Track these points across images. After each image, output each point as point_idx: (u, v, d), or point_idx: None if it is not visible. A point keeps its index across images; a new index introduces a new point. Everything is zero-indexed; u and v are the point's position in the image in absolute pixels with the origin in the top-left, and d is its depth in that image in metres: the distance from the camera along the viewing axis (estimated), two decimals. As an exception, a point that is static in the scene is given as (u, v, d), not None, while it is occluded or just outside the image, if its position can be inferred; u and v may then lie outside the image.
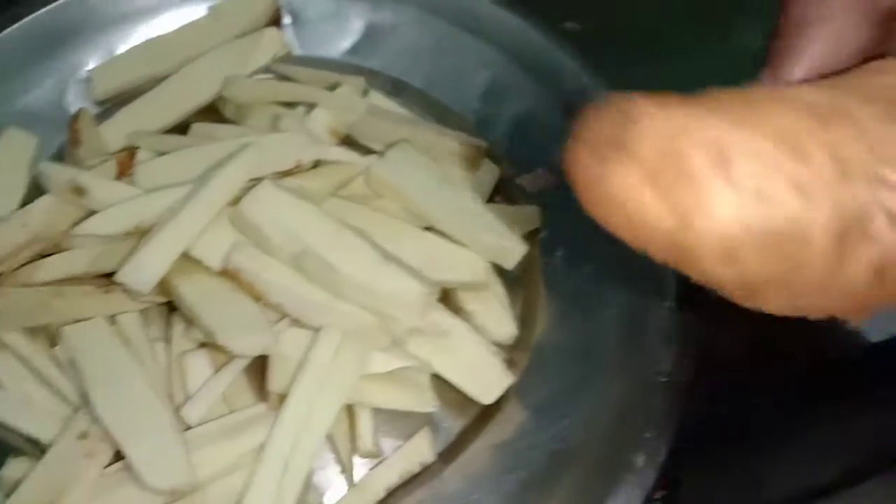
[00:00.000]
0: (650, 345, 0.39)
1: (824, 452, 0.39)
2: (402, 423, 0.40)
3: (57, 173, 0.37)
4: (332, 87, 0.45)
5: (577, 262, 0.43)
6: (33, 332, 0.39)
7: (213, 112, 0.47)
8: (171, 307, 0.41)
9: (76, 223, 0.39)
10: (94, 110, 0.46)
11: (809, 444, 0.40)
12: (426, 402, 0.38)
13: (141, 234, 0.38)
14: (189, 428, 0.36)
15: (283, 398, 0.37)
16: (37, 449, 0.38)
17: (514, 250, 0.40)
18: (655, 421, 0.37)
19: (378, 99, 0.46)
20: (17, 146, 0.42)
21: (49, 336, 0.39)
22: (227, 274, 0.37)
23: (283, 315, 0.37)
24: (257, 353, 0.36)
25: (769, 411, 0.41)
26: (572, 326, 0.42)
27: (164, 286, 0.37)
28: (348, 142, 0.44)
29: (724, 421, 0.42)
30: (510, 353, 0.41)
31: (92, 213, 0.39)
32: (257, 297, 0.37)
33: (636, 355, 0.39)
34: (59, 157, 0.44)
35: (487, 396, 0.39)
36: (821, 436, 0.40)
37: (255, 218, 0.36)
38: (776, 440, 0.41)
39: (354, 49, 0.50)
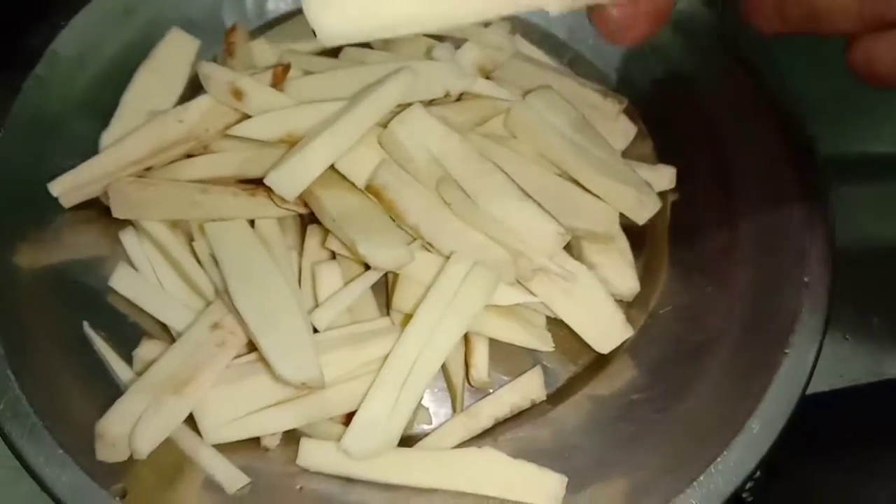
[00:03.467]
0: (777, 320, 0.38)
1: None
2: (511, 361, 0.40)
3: (218, 74, 0.39)
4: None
5: (708, 229, 0.42)
6: (174, 226, 0.41)
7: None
8: (304, 220, 0.42)
9: (229, 126, 0.40)
10: (247, 26, 0.48)
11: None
12: (545, 341, 0.39)
13: (290, 144, 0.39)
14: (316, 332, 0.37)
15: (405, 317, 0.38)
16: (168, 335, 0.40)
17: (648, 205, 0.40)
18: (776, 393, 0.36)
19: (522, 44, 0.47)
20: (179, 46, 0.44)
21: (187, 233, 0.41)
22: (370, 190, 0.37)
23: (416, 237, 0.38)
24: (392, 268, 0.36)
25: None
26: (694, 293, 0.41)
27: (307, 195, 0.38)
28: (489, 82, 0.44)
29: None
30: (627, 310, 0.41)
31: (244, 118, 0.40)
32: (395, 217, 0.38)
33: (761, 330, 0.38)
34: (213, 65, 0.46)
35: (605, 346, 0.39)
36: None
37: (404, 139, 0.37)
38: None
39: (501, -7, 0.50)
